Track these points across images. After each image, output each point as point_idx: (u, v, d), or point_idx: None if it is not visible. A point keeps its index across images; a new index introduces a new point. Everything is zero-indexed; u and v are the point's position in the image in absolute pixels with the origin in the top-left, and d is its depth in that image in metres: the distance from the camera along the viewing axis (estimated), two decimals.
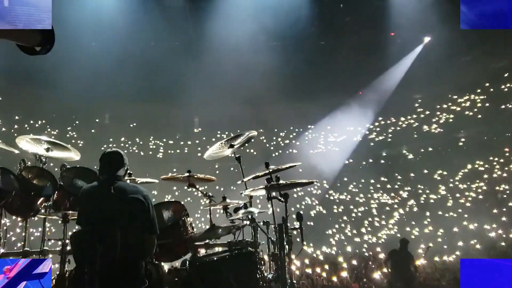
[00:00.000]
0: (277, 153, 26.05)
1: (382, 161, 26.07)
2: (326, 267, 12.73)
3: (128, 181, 4.23)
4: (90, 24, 18.69)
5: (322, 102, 25.70)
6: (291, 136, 27.76)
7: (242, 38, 19.91)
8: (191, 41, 21.81)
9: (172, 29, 20.58)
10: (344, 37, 21.83)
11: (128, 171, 4.44)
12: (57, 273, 3.71)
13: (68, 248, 3.68)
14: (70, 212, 3.93)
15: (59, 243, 3.93)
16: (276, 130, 28.02)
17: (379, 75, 23.56)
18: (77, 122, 24.72)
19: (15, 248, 11.87)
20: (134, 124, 26.92)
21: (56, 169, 4.75)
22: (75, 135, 23.88)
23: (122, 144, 24.98)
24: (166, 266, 4.73)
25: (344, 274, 11.11)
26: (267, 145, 27.35)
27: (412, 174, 23.35)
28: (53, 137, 21.60)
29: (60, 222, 4.06)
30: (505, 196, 18.66)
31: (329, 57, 23.38)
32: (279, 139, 27.82)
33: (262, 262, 3.85)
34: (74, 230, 3.39)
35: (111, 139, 24.49)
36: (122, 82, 22.17)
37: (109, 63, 19.79)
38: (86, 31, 18.91)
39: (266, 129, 27.45)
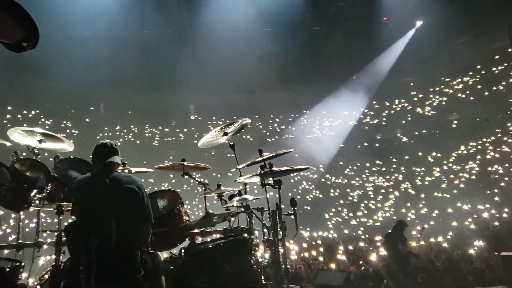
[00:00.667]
0: (273, 139, 26.12)
1: (377, 145, 26.19)
2: (323, 250, 12.88)
3: (122, 171, 4.24)
4: (84, 13, 18.48)
5: (316, 88, 25.70)
6: (287, 121, 27.81)
7: (237, 25, 19.76)
8: (186, 28, 21.64)
9: (166, 17, 20.39)
10: (337, 23, 21.72)
11: (123, 161, 4.45)
12: (53, 264, 3.74)
13: (63, 239, 3.70)
14: (65, 203, 3.94)
15: (55, 234, 3.95)
16: (272, 116, 28.04)
17: (373, 60, 23.54)
18: (72, 111, 24.63)
19: (9, 240, 11.91)
20: (129, 112, 26.84)
21: (50, 159, 4.74)
22: (69, 125, 23.79)
23: (117, 133, 24.93)
24: (164, 255, 4.78)
25: (340, 257, 11.24)
26: (264, 131, 27.40)
27: (406, 157, 23.50)
28: (47, 127, 21.66)
29: (55, 213, 4.07)
30: (497, 176, 18.83)
31: (323, 43, 23.30)
32: (275, 125, 27.85)
33: (257, 248, 3.89)
34: (69, 221, 3.39)
35: (106, 128, 24.44)
36: (117, 71, 22.02)
37: (103, 51, 19.63)
38: (80, 20, 18.72)
39: (262, 115, 27.48)
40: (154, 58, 22.32)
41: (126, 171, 4.57)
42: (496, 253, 9.80)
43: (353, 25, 21.38)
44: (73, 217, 3.40)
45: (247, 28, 19.82)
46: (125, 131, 25.67)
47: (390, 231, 9.79)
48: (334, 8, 20.63)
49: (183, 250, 3.78)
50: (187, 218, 4.39)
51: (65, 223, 3.31)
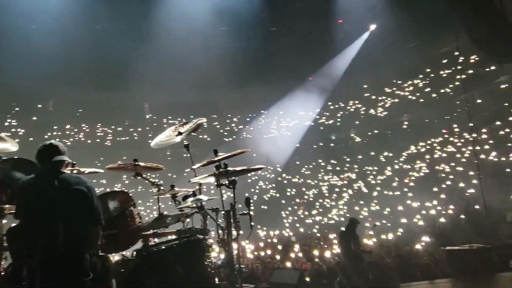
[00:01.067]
0: (230, 139, 26.08)
1: (332, 144, 26.82)
2: (278, 249, 13.02)
3: (71, 172, 4.09)
4: (30, 5, 17.67)
5: (273, 88, 25.92)
6: (244, 121, 27.86)
7: (193, 22, 19.55)
8: (141, 25, 21.16)
9: (121, 12, 19.84)
10: (294, 24, 22.02)
11: (72, 162, 4.29)
12: None
13: (5, 244, 3.50)
14: (7, 206, 3.73)
15: None
16: (229, 115, 27.99)
17: (328, 61, 24.05)
18: (17, 108, 23.43)
19: None
20: (80, 110, 25.92)
21: None
22: (14, 123, 22.62)
23: (67, 132, 24.02)
24: (117, 257, 4.65)
25: (295, 255, 11.40)
26: (221, 131, 27.30)
27: (359, 156, 24.18)
28: None
29: None
30: (444, 175, 19.76)
31: (280, 43, 23.51)
32: (233, 125, 27.83)
33: (211, 249, 3.87)
34: (13, 225, 3.23)
35: (55, 127, 23.46)
36: (67, 67, 21.18)
37: (52, 46, 18.80)
38: (26, 11, 17.86)
39: (219, 114, 27.38)
40: (107, 55, 21.64)
41: (76, 172, 4.40)
42: (442, 248, 10.30)
43: (309, 26, 21.75)
44: (17, 220, 3.23)
45: (204, 26, 19.66)
46: (75, 130, 24.77)
47: (343, 229, 10.01)
48: (291, 9, 20.86)
49: (135, 252, 3.69)
50: (139, 219, 4.29)
51: (9, 226, 3.13)
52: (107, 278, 3.30)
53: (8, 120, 22.52)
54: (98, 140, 25.04)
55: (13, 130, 21.62)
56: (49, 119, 24.11)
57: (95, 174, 4.91)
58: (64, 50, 19.64)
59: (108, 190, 4.84)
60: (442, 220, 16.11)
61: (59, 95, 24.96)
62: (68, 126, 24.49)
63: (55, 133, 22.49)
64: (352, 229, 9.19)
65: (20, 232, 2.98)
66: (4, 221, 3.77)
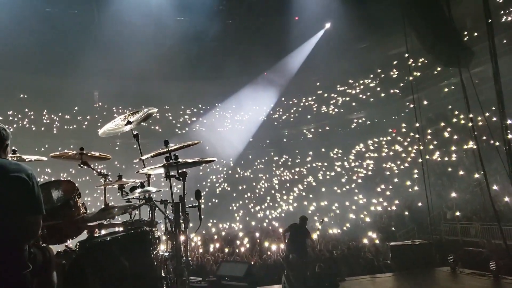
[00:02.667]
0: (183, 131, 25.80)
1: (284, 140, 27.16)
2: (227, 242, 13.04)
3: (10, 159, 3.88)
4: None
5: (229, 81, 25.91)
6: (198, 114, 27.63)
7: (148, 10, 19.11)
8: (92, 10, 20.40)
9: None
10: (251, 18, 22.07)
11: (13, 148, 4.08)
12: None
13: None
14: None
15: None
16: (183, 107, 27.65)
17: (283, 57, 24.31)
18: None
19: None
20: (25, 96, 24.68)
21: None
22: None
23: (10, 118, 22.83)
24: (60, 249, 4.47)
25: (244, 248, 11.47)
26: (173, 122, 26.94)
27: (310, 152, 24.64)
28: None
29: None
30: (389, 173, 20.52)
31: (236, 37, 23.50)
32: (186, 117, 27.53)
33: (158, 241, 3.81)
34: None
35: None
36: (11, 49, 20.08)
37: None
38: None
39: (172, 106, 26.97)
40: (55, 39, 20.71)
41: (17, 158, 4.18)
42: (387, 243, 10.72)
43: (266, 21, 21.86)
44: None
45: (159, 15, 19.27)
46: (19, 116, 23.59)
47: (293, 223, 10.15)
48: (249, 3, 20.87)
49: (78, 244, 3.57)
50: (84, 210, 4.14)
51: None
52: (48, 270, 3.16)
53: None
54: (43, 128, 23.96)
55: None
56: None
57: (40, 162, 4.71)
58: (9, 32, 18.57)
59: (52, 179, 4.63)
60: (387, 216, 16.74)
61: (2, 79, 23.61)
62: (10, 112, 23.26)
63: None
64: (303, 225, 9.33)
65: None
66: None
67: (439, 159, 18.54)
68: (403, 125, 21.94)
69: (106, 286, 3.20)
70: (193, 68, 24.18)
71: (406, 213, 16.16)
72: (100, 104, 26.75)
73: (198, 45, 22.58)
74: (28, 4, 17.88)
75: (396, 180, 19.54)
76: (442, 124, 19.97)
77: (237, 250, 11.36)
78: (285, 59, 24.16)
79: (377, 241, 12.05)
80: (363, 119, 25.05)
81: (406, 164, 20.05)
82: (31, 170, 3.12)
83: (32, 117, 23.90)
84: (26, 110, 23.83)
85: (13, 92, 23.96)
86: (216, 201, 23.55)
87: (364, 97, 24.71)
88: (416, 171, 18.01)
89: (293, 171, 24.77)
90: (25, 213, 3.00)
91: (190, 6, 18.98)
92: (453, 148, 18.11)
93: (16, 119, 23.16)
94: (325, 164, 23.66)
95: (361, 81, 25.17)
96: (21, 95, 24.09)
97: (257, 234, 13.94)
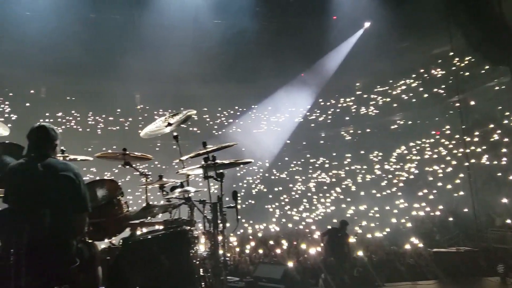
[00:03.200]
0: (220, 132, 26.07)
1: (321, 142, 26.89)
2: (264, 244, 13.08)
3: (60, 158, 4.09)
4: None
5: (265, 83, 25.94)
6: (234, 115, 27.85)
7: (187, 14, 19.50)
8: (134, 15, 21.02)
9: (113, 1, 19.72)
10: (288, 19, 22.01)
11: (61, 148, 4.29)
12: None
13: None
14: None
15: None
16: (219, 109, 27.96)
17: (321, 58, 24.08)
18: (10, 94, 23.30)
19: None
20: (73, 98, 25.75)
21: None
22: (8, 109, 22.49)
23: (59, 120, 23.85)
24: (104, 245, 4.67)
25: (281, 251, 11.47)
26: (211, 123, 27.28)
27: (348, 155, 24.28)
28: None
29: None
30: (431, 178, 19.88)
31: (273, 38, 23.50)
32: (223, 118, 27.82)
33: (196, 241, 3.90)
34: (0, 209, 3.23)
35: (47, 114, 23.29)
36: (60, 54, 21.02)
37: (45, 33, 18.65)
38: None
39: (210, 107, 27.33)
40: (99, 44, 21.50)
41: (64, 158, 4.40)
42: (429, 249, 10.40)
43: (303, 22, 21.73)
44: (6, 205, 3.24)
45: (198, 18, 19.62)
46: (67, 117, 24.62)
47: (329, 226, 10.08)
48: (285, 4, 20.83)
49: (121, 241, 3.72)
50: (127, 208, 4.31)
51: None
52: (93, 265, 3.32)
53: (2, 106, 22.40)
54: (88, 130, 24.90)
55: (6, 115, 21.51)
56: (41, 105, 23.98)
57: (86, 162, 4.93)
58: (57, 38, 19.50)
59: (97, 178, 4.84)
60: (430, 221, 16.23)
61: (51, 82, 24.84)
62: (60, 114, 24.35)
63: (47, 119, 22.31)
64: (344, 229, 9.25)
65: (7, 217, 2.98)
66: None
67: (487, 162, 17.68)
68: (447, 127, 21.21)
69: (146, 282, 3.32)
70: (230, 70, 24.40)
71: (450, 218, 15.59)
72: (141, 106, 27.51)
73: (235, 47, 22.79)
74: (73, 11, 18.67)
75: (439, 184, 18.89)
76: (491, 125, 19.05)
77: (273, 252, 11.36)
78: (323, 59, 23.92)
79: (419, 246, 11.71)
80: (405, 120, 24.40)
81: (451, 168, 19.38)
82: (78, 169, 3.28)
83: (79, 118, 24.90)
84: (73, 112, 24.87)
85: (61, 95, 25.07)
86: (253, 202, 23.66)
87: (405, 97, 24.06)
88: (461, 175, 17.31)
89: (330, 173, 24.48)
90: (73, 211, 3.16)
91: (228, 9, 19.19)
92: (503, 150, 17.26)
93: (64, 120, 24.20)
94: (364, 167, 23.23)
95: (402, 81, 24.53)
96: (68, 98, 25.16)
97: (294, 237, 13.91)
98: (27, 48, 19.48)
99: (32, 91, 24.40)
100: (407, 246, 11.74)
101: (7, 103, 22.86)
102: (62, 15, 18.38)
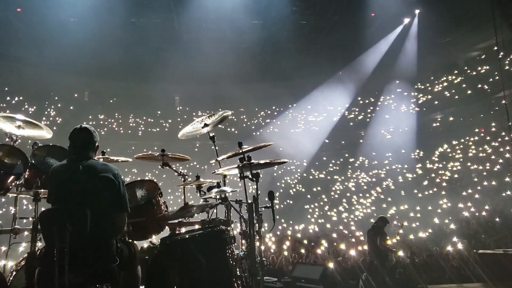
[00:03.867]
0: (257, 133, 26.14)
1: (361, 141, 26.41)
2: (303, 244, 13.00)
3: (100, 160, 4.22)
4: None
5: (302, 82, 25.80)
6: (272, 115, 27.86)
7: (224, 15, 19.69)
8: (172, 18, 21.46)
9: (153, 6, 20.21)
10: (325, 17, 21.77)
11: (102, 150, 4.42)
12: (28, 251, 3.72)
13: (39, 226, 3.68)
14: (42, 190, 3.89)
15: (31, 221, 3.92)
16: (257, 109, 28.06)
17: (359, 56, 23.67)
18: (56, 98, 24.37)
19: None
20: (114, 99, 26.60)
21: (28, 146, 4.70)
22: (53, 113, 23.53)
23: (101, 122, 24.70)
24: (145, 244, 4.78)
25: (320, 251, 11.36)
26: (248, 123, 27.42)
27: (389, 154, 23.73)
28: (30, 112, 21.37)
29: (32, 200, 4.05)
30: (476, 176, 19.11)
31: (310, 37, 23.34)
32: (260, 119, 27.89)
33: (233, 240, 3.92)
34: (42, 209, 3.37)
35: (90, 116, 24.21)
36: (102, 59, 21.78)
37: (88, 39, 19.43)
38: (64, 5, 18.46)
39: (247, 108, 27.49)
40: (139, 47, 22.13)
41: (105, 159, 4.54)
42: (475, 251, 10.01)
43: (340, 20, 21.44)
44: (49, 204, 3.37)
45: (235, 19, 19.76)
46: (109, 120, 25.46)
47: (371, 226, 9.88)
48: (323, 2, 20.62)
49: (159, 240, 3.79)
50: (165, 208, 4.40)
51: (43, 209, 3.27)
52: (133, 264, 3.41)
53: (48, 110, 23.48)
54: (129, 131, 25.63)
55: (51, 119, 22.54)
56: (85, 109, 24.95)
57: (127, 163, 5.07)
58: (99, 43, 20.22)
59: (139, 178, 4.98)
60: (475, 222, 15.61)
61: (94, 85, 25.81)
62: (102, 116, 25.21)
63: (90, 122, 23.17)
64: (381, 227, 9.06)
65: (50, 216, 3.10)
66: (37, 204, 3.96)
67: None
68: (493, 124, 20.35)
69: (184, 281, 3.37)
70: (268, 70, 24.43)
71: (497, 219, 14.95)
72: (180, 108, 28.04)
73: (272, 47, 22.79)
74: (115, 16, 19.27)
75: (485, 183, 18.15)
76: None
77: (313, 252, 11.27)
78: (361, 57, 23.50)
79: (463, 248, 11.28)
80: (447, 118, 23.57)
81: (498, 167, 18.57)
82: (117, 170, 3.38)
83: (120, 120, 25.67)
84: (116, 114, 25.67)
85: (104, 98, 25.96)
86: (291, 202, 23.56)
87: (448, 94, 23.24)
88: (509, 174, 16.62)
89: (370, 173, 23.99)
90: (113, 211, 3.26)
91: (265, 9, 19.23)
92: None
93: (106, 122, 25.04)
94: (405, 166, 22.64)
95: (444, 78, 23.71)
96: (110, 100, 26.00)
97: (334, 236, 13.75)
98: (72, 54, 20.31)
99: (76, 95, 25.43)
100: (451, 247, 11.34)
101: (52, 106, 23.90)
102: (104, 21, 19.03)
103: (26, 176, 4.26)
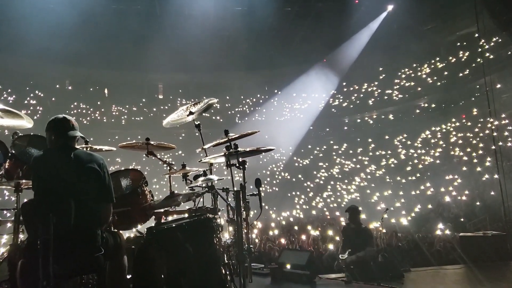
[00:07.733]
0: (242, 121, 26.09)
1: (345, 128, 26.59)
2: (288, 230, 13.09)
3: (83, 149, 4.14)
4: None
5: (287, 70, 25.74)
6: (257, 103, 27.79)
7: (207, 2, 19.42)
8: (154, 5, 21.08)
9: None
10: (309, 4, 21.65)
11: (85, 139, 4.34)
12: (10, 243, 3.64)
13: (21, 217, 3.60)
14: (24, 181, 3.81)
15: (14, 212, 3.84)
16: (242, 97, 27.94)
17: (343, 42, 23.67)
18: (36, 87, 23.87)
19: None
20: (97, 87, 26.17)
21: (7, 135, 4.59)
22: (33, 102, 23.05)
23: (83, 111, 24.31)
24: (131, 234, 4.74)
25: (304, 237, 11.45)
26: (233, 112, 27.32)
27: (372, 140, 23.94)
28: (10, 101, 20.90)
29: (13, 191, 3.95)
30: (457, 161, 19.45)
31: (294, 24, 23.20)
32: (245, 107, 27.81)
33: (221, 228, 3.91)
34: (25, 200, 3.30)
35: (72, 105, 23.81)
36: (82, 47, 21.32)
37: (69, 26, 18.89)
38: None
39: (232, 96, 27.36)
40: (121, 35, 21.69)
41: (89, 149, 4.45)
42: (456, 234, 10.21)
43: (325, 6, 21.35)
44: (32, 195, 3.30)
45: (218, 6, 19.49)
46: (91, 109, 25.07)
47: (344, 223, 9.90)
48: None
49: (145, 230, 3.76)
50: (151, 197, 4.35)
51: (25, 200, 3.19)
52: (119, 254, 3.37)
53: (28, 99, 22.99)
54: (113, 120, 25.30)
55: (31, 108, 22.09)
56: (66, 98, 24.50)
57: (111, 152, 4.98)
58: (79, 30, 19.74)
59: (123, 168, 4.90)
60: (456, 206, 15.93)
61: (75, 75, 25.30)
62: (83, 105, 24.80)
63: (72, 111, 22.82)
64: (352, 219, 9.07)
65: (33, 208, 3.03)
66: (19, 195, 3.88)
67: None
68: (474, 110, 20.66)
69: (172, 270, 3.36)
70: (252, 58, 24.26)
71: (478, 203, 15.28)
72: (164, 96, 27.77)
73: (256, 35, 22.60)
74: (95, 2, 18.82)
75: (465, 168, 18.50)
76: None
77: (299, 238, 11.35)
78: (345, 44, 23.51)
79: (446, 232, 11.50)
80: (429, 104, 23.86)
81: (480, 152, 18.92)
82: (103, 160, 3.31)
83: (103, 109, 25.31)
84: (99, 102, 25.29)
85: (85, 86, 25.49)
86: (276, 189, 23.66)
87: (430, 81, 23.50)
88: (489, 158, 16.90)
89: (354, 159, 24.20)
90: (98, 201, 3.21)
91: None
92: None
93: (89, 112, 24.66)
94: (389, 152, 22.89)
95: (427, 65, 23.94)
96: (91, 89, 25.57)
97: (319, 223, 13.86)
98: (52, 41, 19.79)
99: (57, 85, 24.93)
100: (433, 231, 11.56)
101: (31, 95, 23.41)
102: (85, 7, 18.56)
103: (6, 167, 4.15)
